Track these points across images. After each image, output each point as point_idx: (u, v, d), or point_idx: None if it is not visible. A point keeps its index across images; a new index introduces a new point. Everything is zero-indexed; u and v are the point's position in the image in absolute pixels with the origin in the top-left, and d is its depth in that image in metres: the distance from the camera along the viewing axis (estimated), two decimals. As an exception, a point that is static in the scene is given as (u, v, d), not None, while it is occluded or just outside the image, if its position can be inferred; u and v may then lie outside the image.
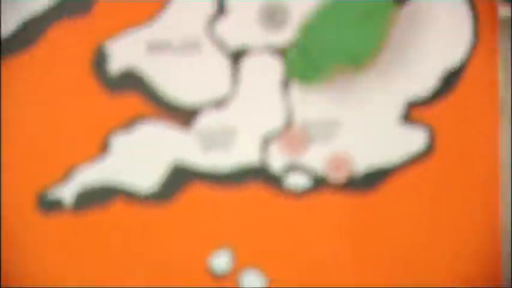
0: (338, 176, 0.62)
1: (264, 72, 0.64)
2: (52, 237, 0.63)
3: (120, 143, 0.63)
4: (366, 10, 0.60)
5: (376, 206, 0.63)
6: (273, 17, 0.62)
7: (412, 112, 0.63)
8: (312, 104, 0.63)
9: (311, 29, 0.62)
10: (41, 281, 0.63)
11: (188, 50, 0.63)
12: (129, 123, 0.63)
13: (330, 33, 0.61)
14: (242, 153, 0.64)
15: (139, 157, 0.63)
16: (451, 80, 0.62)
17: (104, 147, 0.63)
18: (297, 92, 0.63)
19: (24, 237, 0.63)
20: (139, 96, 0.63)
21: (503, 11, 0.61)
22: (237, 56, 0.63)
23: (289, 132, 0.63)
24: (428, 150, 0.62)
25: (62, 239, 0.63)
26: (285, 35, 0.63)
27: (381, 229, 0.63)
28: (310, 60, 0.62)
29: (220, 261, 0.64)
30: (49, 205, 0.63)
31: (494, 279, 0.62)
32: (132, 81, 0.63)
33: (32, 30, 0.62)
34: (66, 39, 0.63)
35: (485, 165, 0.62)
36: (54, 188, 0.63)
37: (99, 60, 0.63)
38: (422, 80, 0.63)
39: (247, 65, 0.63)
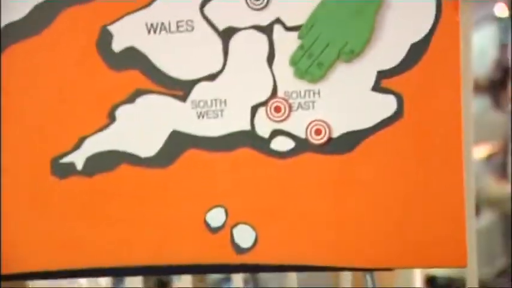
0: (318, 139, 0.70)
1: (251, 49, 0.71)
2: (64, 197, 0.72)
3: (124, 114, 0.71)
4: (356, 5, 0.69)
5: (353, 165, 0.71)
6: (257, -2, 0.70)
7: (383, 82, 0.71)
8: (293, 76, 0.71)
9: (310, 32, 0.70)
10: (56, 238, 0.71)
11: (183, 30, 0.71)
12: (131, 96, 0.71)
13: (327, 32, 0.69)
14: (233, 121, 0.72)
15: (141, 126, 0.72)
16: (417, 52, 0.70)
17: (109, 118, 0.71)
18: (280, 67, 0.71)
19: (39, 199, 0.72)
20: (140, 71, 0.71)
21: (463, -10, 0.69)
22: (227, 35, 0.71)
23: (274, 101, 0.71)
24: (398, 116, 0.70)
25: (74, 200, 0.72)
26: (269, 15, 0.70)
27: (358, 185, 0.71)
28: (314, 59, 0.70)
29: (215, 217, 0.72)
30: (62, 170, 0.71)
31: (458, 228, 0.70)
32: (133, 59, 0.71)
33: (44, 15, 0.70)
34: (74, 23, 0.71)
35: (448, 127, 0.70)
36: (66, 155, 0.71)
37: (104, 40, 0.71)
38: (392, 53, 0.70)
39: (236, 42, 0.71)
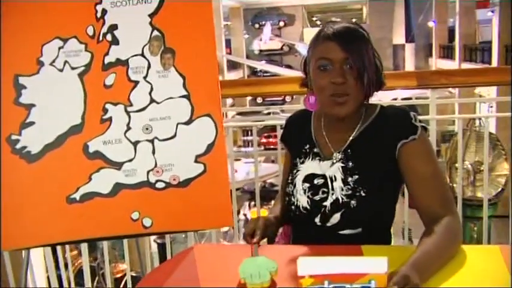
0: (175, 182, 1.84)
1: (146, 151, 1.84)
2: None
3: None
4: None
5: (191, 190, 1.85)
6: None
7: (199, 159, 1.86)
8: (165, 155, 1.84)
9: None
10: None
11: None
12: (96, 170, 1.80)
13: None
14: (140, 177, 1.83)
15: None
16: (211, 146, 1.86)
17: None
18: (159, 156, 1.83)
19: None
20: (102, 160, 1.80)
21: None
22: (135, 144, 1.82)
23: (156, 168, 1.83)
24: (204, 172, 1.86)
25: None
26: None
27: (192, 196, 1.85)
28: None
29: (135, 215, 1.82)
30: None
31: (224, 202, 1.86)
32: (100, 155, 1.80)
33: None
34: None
35: (221, 178, 1.87)
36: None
37: (87, 149, 1.79)
38: (203, 146, 1.86)
39: (139, 148, 1.83)
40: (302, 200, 1.38)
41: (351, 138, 1.37)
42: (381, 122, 1.36)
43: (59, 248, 2.75)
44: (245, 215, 11.99)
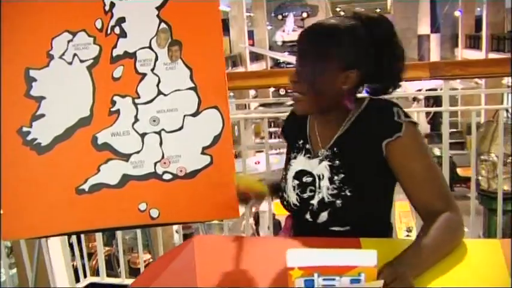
0: (181, 174, 1.85)
1: (153, 142, 1.86)
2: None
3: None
4: None
5: (197, 181, 1.87)
6: None
7: (205, 150, 1.87)
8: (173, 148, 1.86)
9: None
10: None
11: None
12: (106, 160, 1.83)
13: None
14: (147, 168, 1.85)
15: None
16: (218, 137, 1.87)
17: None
18: (165, 146, 1.85)
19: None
20: (110, 152, 1.82)
21: None
22: (142, 135, 1.84)
23: (163, 160, 1.85)
24: (210, 164, 1.87)
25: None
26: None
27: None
28: None
29: (142, 206, 1.85)
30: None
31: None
32: (108, 146, 1.83)
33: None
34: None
35: (228, 171, 1.87)
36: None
37: (95, 140, 1.82)
38: (209, 137, 1.86)
39: (147, 139, 1.84)
40: (292, 196, 1.38)
41: (337, 135, 1.34)
42: (365, 118, 1.31)
43: (74, 238, 2.80)
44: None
